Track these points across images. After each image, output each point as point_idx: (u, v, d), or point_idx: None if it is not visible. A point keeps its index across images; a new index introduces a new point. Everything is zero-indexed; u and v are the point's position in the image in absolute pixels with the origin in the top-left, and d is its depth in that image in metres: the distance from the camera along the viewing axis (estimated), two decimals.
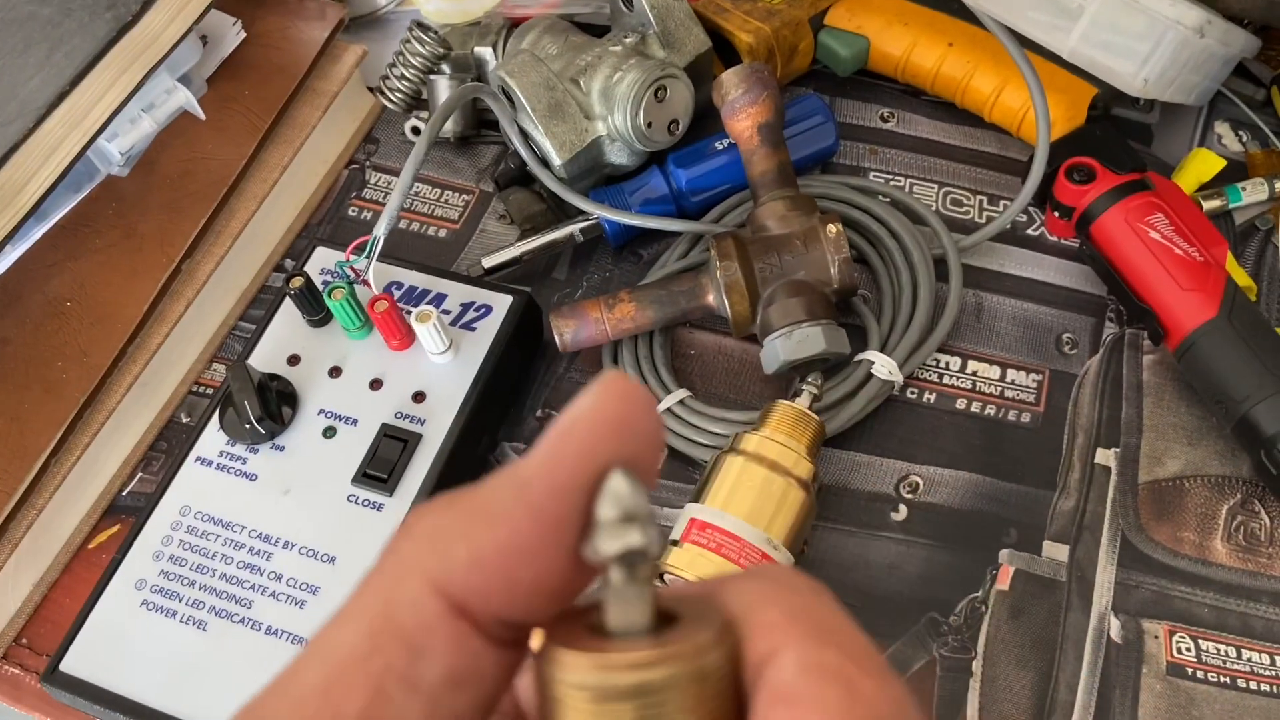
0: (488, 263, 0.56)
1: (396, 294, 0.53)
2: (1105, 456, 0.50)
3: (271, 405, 0.49)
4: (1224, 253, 0.50)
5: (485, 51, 0.61)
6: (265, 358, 0.52)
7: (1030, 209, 0.58)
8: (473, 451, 0.51)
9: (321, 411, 0.50)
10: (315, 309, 0.51)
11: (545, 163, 0.57)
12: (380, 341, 0.51)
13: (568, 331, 0.51)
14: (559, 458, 0.16)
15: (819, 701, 0.15)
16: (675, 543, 0.44)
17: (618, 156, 0.58)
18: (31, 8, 0.52)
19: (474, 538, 0.16)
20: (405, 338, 0.51)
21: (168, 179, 0.56)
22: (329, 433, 0.49)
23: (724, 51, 0.61)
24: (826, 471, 0.51)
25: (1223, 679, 0.44)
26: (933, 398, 0.53)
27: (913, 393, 0.53)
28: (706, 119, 0.59)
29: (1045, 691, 0.45)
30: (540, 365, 0.55)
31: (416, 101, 0.63)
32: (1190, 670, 0.45)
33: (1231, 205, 0.56)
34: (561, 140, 0.56)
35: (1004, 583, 0.47)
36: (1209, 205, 0.56)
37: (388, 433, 0.49)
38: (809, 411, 0.47)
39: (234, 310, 0.58)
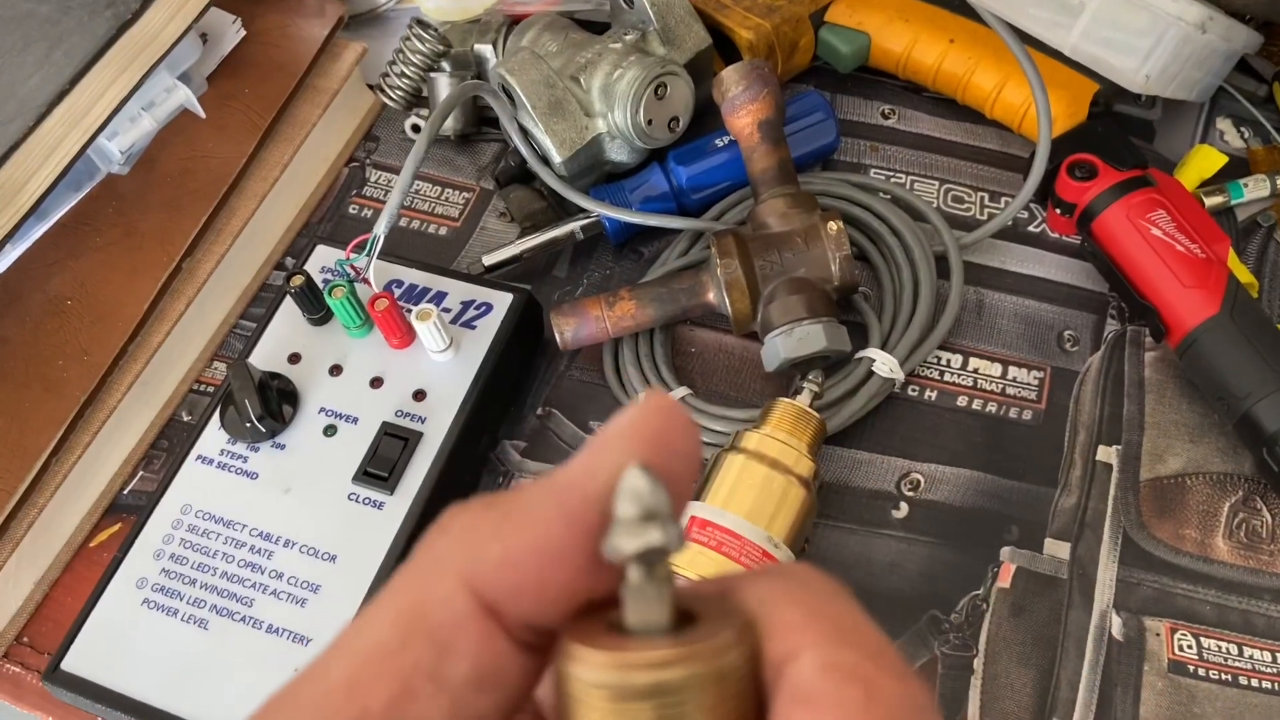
0: (488, 260, 0.56)
1: (397, 292, 0.53)
2: (1107, 454, 0.50)
3: (272, 404, 0.49)
4: (1226, 249, 0.50)
5: (485, 49, 0.61)
6: (266, 356, 0.52)
7: (1032, 206, 0.58)
8: (473, 450, 0.51)
9: (322, 410, 0.50)
10: (316, 307, 0.51)
11: (545, 160, 0.57)
12: (381, 340, 0.51)
13: (568, 329, 0.51)
14: (596, 467, 0.17)
15: (839, 701, 0.15)
16: None
17: (618, 154, 0.58)
18: (30, 6, 0.52)
19: (508, 539, 0.16)
20: (406, 336, 0.51)
21: (168, 177, 0.56)
22: (330, 431, 0.49)
23: (724, 48, 0.61)
24: (827, 469, 0.51)
25: (1224, 676, 0.44)
26: (934, 395, 0.53)
27: (914, 390, 0.53)
28: (707, 116, 0.59)
29: (1046, 689, 0.45)
30: (541, 363, 0.55)
31: (416, 99, 0.63)
32: (1192, 668, 0.45)
33: (1233, 202, 0.56)
34: (562, 138, 0.56)
35: (1005, 580, 0.47)
36: (1211, 202, 0.56)
37: (388, 431, 0.49)
38: (810, 409, 0.47)
39: (234, 309, 0.58)
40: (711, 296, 0.51)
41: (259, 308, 0.58)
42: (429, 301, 0.52)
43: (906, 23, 0.60)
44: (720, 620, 0.16)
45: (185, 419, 0.55)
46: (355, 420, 0.49)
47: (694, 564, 0.43)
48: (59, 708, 0.46)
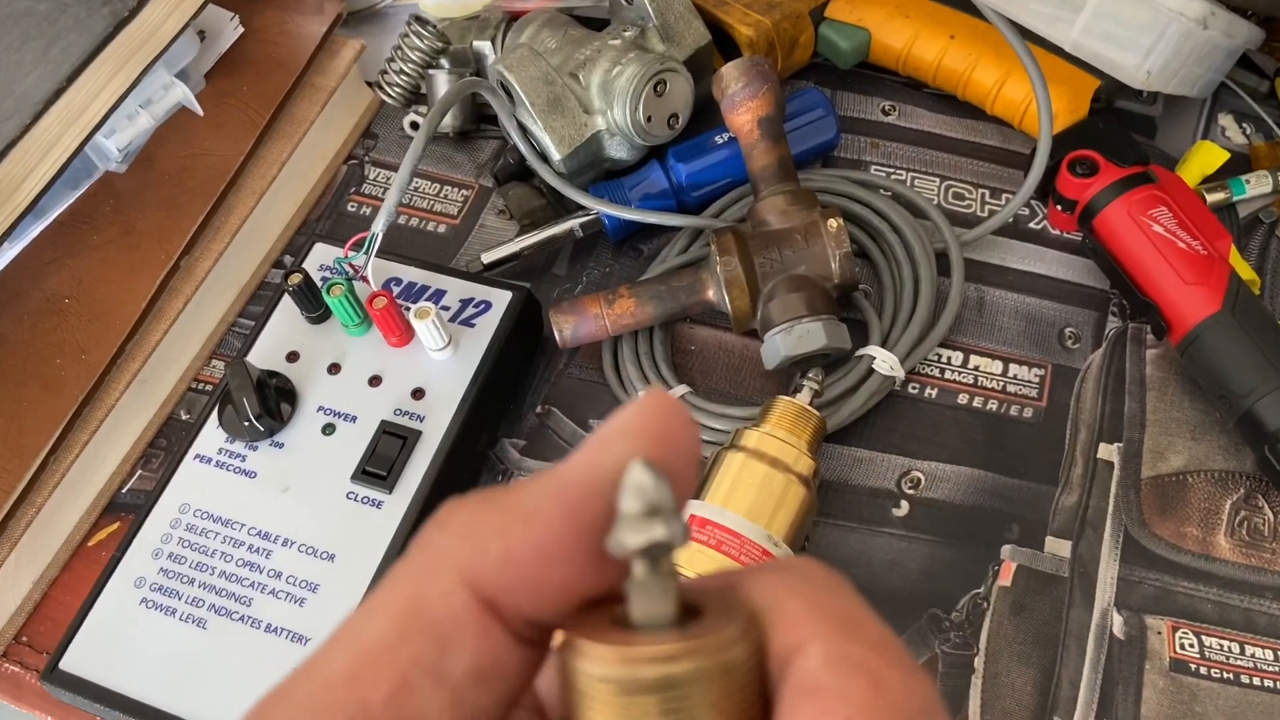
0: (487, 258, 0.56)
1: (395, 290, 0.53)
2: (1108, 451, 0.50)
3: (270, 402, 0.49)
4: (1228, 246, 0.50)
5: (484, 46, 0.61)
6: (264, 355, 0.51)
7: (1033, 202, 0.58)
8: (472, 448, 0.50)
9: (320, 408, 0.50)
10: (314, 306, 0.51)
11: (544, 157, 0.57)
12: (379, 338, 0.51)
13: (567, 327, 0.51)
14: (598, 463, 0.17)
15: (845, 694, 0.15)
16: None
17: (617, 151, 0.57)
18: (28, 3, 0.52)
19: (508, 534, 0.16)
20: (404, 334, 0.50)
21: (166, 175, 0.55)
22: (328, 430, 0.49)
23: (724, 45, 0.61)
24: (827, 467, 0.50)
25: (1226, 675, 0.44)
26: (934, 393, 0.53)
27: (914, 388, 0.53)
28: (706, 113, 0.59)
29: (1047, 688, 0.45)
30: (540, 361, 0.55)
31: (415, 96, 0.63)
32: (1193, 666, 0.45)
33: (1235, 198, 0.56)
34: (561, 135, 0.55)
35: (1006, 579, 0.47)
36: (1212, 198, 0.55)
37: (387, 430, 0.48)
38: (810, 407, 0.46)
39: (233, 307, 0.58)
40: (711, 294, 0.51)
41: (257, 306, 0.58)
42: (428, 299, 0.52)
43: (907, 19, 0.60)
44: (725, 614, 0.16)
45: (183, 418, 0.55)
46: (354, 419, 0.49)
47: (693, 562, 0.43)
48: (58, 707, 0.46)
